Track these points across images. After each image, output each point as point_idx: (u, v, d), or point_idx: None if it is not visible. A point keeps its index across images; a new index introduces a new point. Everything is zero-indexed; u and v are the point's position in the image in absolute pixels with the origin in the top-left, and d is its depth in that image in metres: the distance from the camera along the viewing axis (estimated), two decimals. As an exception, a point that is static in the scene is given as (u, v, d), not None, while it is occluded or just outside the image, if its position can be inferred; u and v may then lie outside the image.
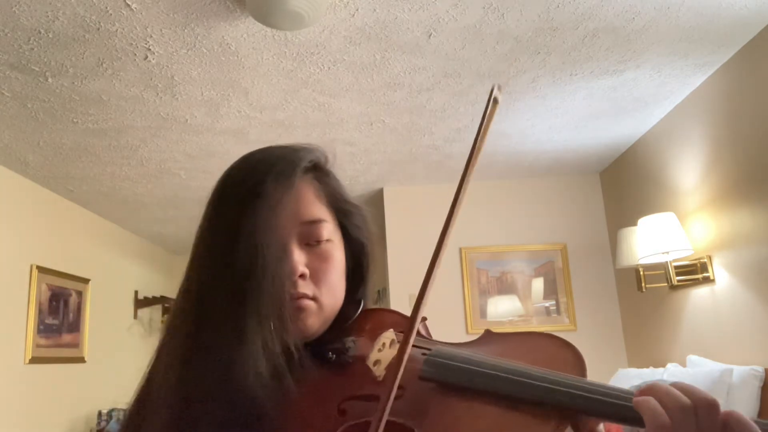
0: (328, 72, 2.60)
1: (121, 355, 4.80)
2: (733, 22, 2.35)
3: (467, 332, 4.00)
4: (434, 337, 0.68)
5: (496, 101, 0.59)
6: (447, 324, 3.96)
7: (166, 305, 5.53)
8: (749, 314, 2.64)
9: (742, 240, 2.67)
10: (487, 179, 4.28)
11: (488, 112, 0.58)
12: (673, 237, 2.90)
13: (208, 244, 0.64)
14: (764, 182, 2.51)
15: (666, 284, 3.11)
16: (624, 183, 3.91)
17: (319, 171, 0.71)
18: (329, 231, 0.67)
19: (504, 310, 4.11)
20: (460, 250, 4.18)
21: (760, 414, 2.44)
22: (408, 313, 0.65)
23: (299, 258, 0.64)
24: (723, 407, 0.45)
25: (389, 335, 0.64)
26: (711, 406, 0.45)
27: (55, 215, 4.03)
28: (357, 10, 2.15)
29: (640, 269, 3.27)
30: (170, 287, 5.80)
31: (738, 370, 2.53)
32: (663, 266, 3.06)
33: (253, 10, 2.02)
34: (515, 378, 0.52)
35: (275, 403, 0.56)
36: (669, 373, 2.94)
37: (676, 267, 3.03)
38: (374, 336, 0.65)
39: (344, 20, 2.21)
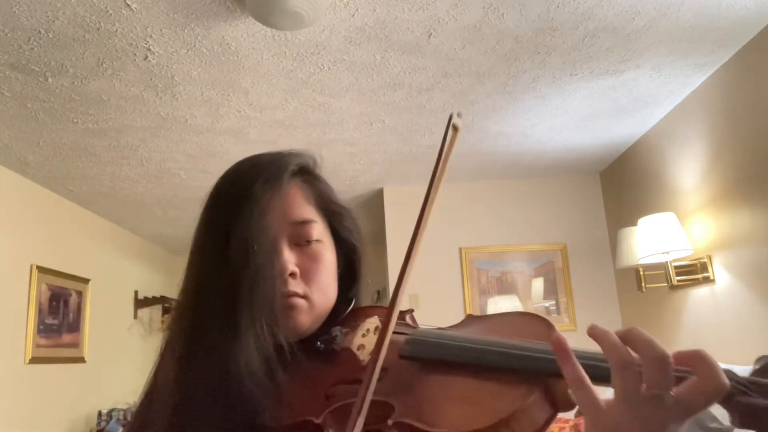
0: (328, 72, 2.60)
1: (121, 355, 4.80)
2: (733, 22, 2.35)
3: (467, 332, 4.00)
4: None
5: (455, 128, 0.61)
6: (447, 324, 3.95)
7: (166, 305, 5.54)
8: (749, 314, 2.64)
9: (742, 240, 2.67)
10: (487, 179, 4.28)
11: (448, 140, 0.60)
12: (673, 237, 2.90)
13: (203, 245, 0.67)
14: (764, 182, 2.51)
15: (666, 284, 3.11)
16: (624, 183, 3.91)
17: (307, 174, 0.74)
18: (318, 231, 0.70)
19: (504, 310, 4.11)
20: (460, 250, 4.18)
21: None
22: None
23: (289, 257, 0.66)
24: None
25: (373, 321, 0.67)
26: (661, 361, 0.42)
27: (55, 215, 4.03)
28: (357, 10, 2.15)
29: (640, 269, 3.28)
30: (170, 287, 5.79)
31: (738, 370, 2.52)
32: (663, 266, 3.06)
33: (253, 10, 2.02)
34: (485, 347, 0.55)
35: (267, 394, 0.58)
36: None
37: (676, 267, 3.03)
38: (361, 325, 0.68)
39: (344, 20, 2.21)
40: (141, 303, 5.34)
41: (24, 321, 3.60)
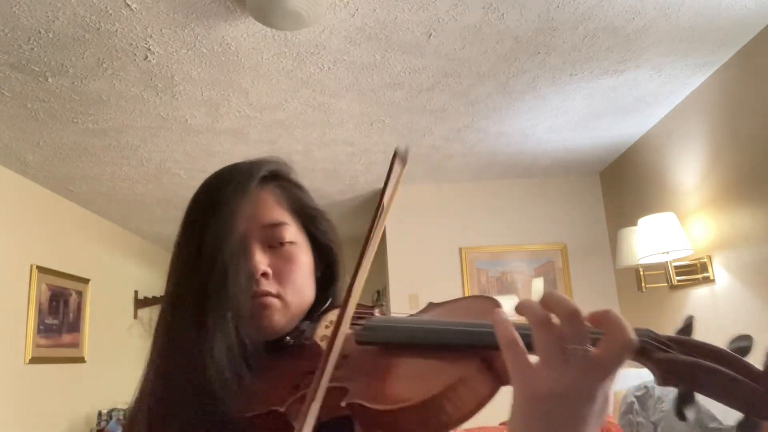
0: (328, 72, 2.60)
1: (121, 355, 4.79)
2: (733, 22, 2.35)
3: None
4: None
5: (403, 162, 0.63)
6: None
7: (166, 305, 5.53)
8: (749, 314, 2.64)
9: (742, 240, 2.67)
10: (487, 179, 4.28)
11: (392, 174, 0.61)
12: (673, 237, 2.90)
13: (179, 251, 0.70)
14: (764, 182, 2.51)
15: (666, 284, 3.11)
16: (624, 183, 3.91)
17: (280, 179, 0.76)
18: (292, 233, 0.72)
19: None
20: (460, 250, 4.18)
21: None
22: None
23: (261, 258, 0.69)
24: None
25: (335, 312, 0.69)
26: (572, 314, 0.45)
27: (55, 215, 4.04)
28: (357, 10, 2.15)
29: (640, 269, 3.28)
30: (170, 287, 5.78)
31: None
32: (663, 266, 3.06)
33: (253, 10, 2.02)
34: (430, 327, 0.59)
35: (236, 390, 0.61)
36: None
37: (676, 267, 3.03)
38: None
39: (344, 20, 2.21)
40: (141, 303, 5.34)
41: (24, 321, 3.60)
